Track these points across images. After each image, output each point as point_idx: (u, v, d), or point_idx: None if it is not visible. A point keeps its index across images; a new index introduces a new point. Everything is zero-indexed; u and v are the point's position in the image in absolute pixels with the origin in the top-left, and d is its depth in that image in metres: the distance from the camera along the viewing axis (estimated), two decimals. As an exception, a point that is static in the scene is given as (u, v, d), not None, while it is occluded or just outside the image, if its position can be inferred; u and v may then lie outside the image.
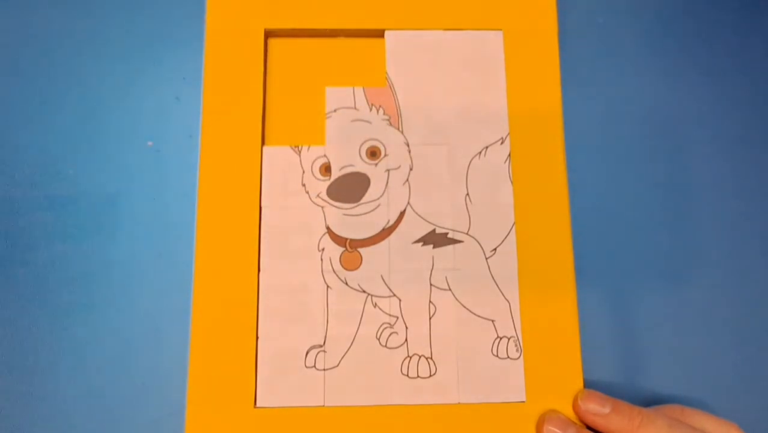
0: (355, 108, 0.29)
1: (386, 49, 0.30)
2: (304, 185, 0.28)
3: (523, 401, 0.27)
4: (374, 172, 0.28)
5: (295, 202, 0.28)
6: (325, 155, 0.28)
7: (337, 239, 0.28)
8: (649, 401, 0.28)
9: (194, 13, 0.30)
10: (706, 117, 0.31)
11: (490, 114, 0.29)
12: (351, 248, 0.28)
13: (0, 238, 0.29)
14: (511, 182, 0.29)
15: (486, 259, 0.28)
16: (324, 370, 0.27)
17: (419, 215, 0.28)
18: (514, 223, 0.28)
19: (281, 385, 0.27)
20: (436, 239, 0.28)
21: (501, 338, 0.27)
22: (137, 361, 0.28)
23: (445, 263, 0.28)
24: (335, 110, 0.29)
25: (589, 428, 0.26)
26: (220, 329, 0.27)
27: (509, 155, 0.29)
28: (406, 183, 0.28)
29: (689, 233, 0.30)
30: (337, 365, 0.27)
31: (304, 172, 0.28)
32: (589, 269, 0.29)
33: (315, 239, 0.28)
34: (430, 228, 0.28)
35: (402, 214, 0.28)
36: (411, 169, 0.29)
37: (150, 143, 0.30)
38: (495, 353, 0.27)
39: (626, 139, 0.31)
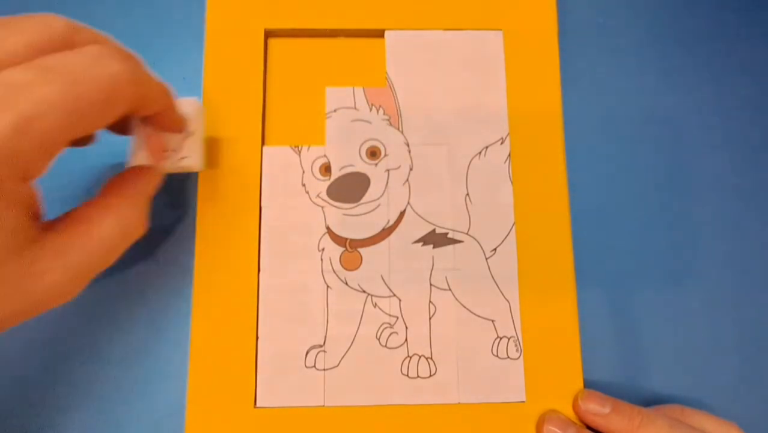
0: (355, 108, 0.29)
1: (386, 49, 0.30)
2: (304, 185, 0.28)
3: (523, 401, 0.27)
4: (374, 172, 0.28)
5: (295, 203, 0.28)
6: (325, 155, 0.28)
7: (337, 239, 0.28)
8: (649, 401, 0.28)
9: (194, 13, 0.30)
10: (706, 117, 0.31)
11: (490, 114, 0.29)
12: (351, 248, 0.28)
13: None
14: (511, 182, 0.29)
15: (486, 259, 0.28)
16: (324, 370, 0.27)
17: (419, 215, 0.28)
18: (514, 223, 0.28)
19: (281, 385, 0.27)
20: (436, 239, 0.28)
21: (501, 338, 0.27)
22: (137, 361, 0.28)
23: (445, 263, 0.28)
24: (335, 110, 0.29)
25: (589, 428, 0.26)
26: (220, 329, 0.27)
27: (509, 155, 0.29)
28: (406, 183, 0.28)
29: (689, 233, 0.30)
30: (337, 365, 0.27)
31: (304, 172, 0.28)
32: (589, 269, 0.29)
33: (315, 239, 0.28)
34: (430, 228, 0.28)
35: (402, 214, 0.28)
36: (411, 169, 0.29)
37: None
38: (495, 353, 0.27)
39: (626, 139, 0.31)
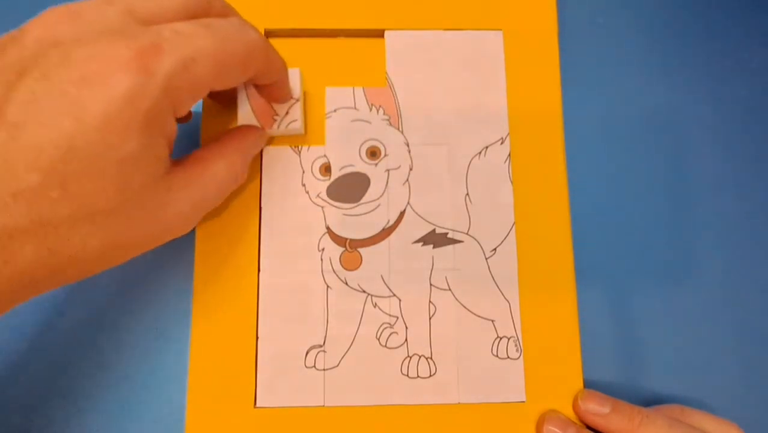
0: (355, 108, 0.29)
1: (386, 49, 0.30)
2: (304, 185, 0.28)
3: (523, 401, 0.27)
4: (374, 172, 0.28)
5: (295, 203, 0.28)
6: (325, 155, 0.28)
7: (337, 239, 0.28)
8: (649, 401, 0.28)
9: (194, 13, 0.30)
10: (706, 117, 0.31)
11: (490, 114, 0.29)
12: (351, 248, 0.28)
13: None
14: (511, 182, 0.29)
15: (486, 259, 0.28)
16: (324, 370, 0.27)
17: (419, 215, 0.28)
18: (514, 223, 0.28)
19: (281, 385, 0.27)
20: (436, 239, 0.28)
21: (501, 338, 0.27)
22: (137, 361, 0.28)
23: (445, 263, 0.28)
24: (335, 110, 0.29)
25: (589, 428, 0.26)
26: (220, 329, 0.27)
27: (509, 155, 0.29)
28: (406, 183, 0.28)
29: (689, 233, 0.30)
30: (337, 365, 0.27)
31: (304, 172, 0.28)
32: (589, 269, 0.29)
33: (315, 239, 0.28)
34: (430, 228, 0.28)
35: (402, 214, 0.28)
36: (411, 169, 0.29)
37: None
38: (495, 353, 0.27)
39: (626, 139, 0.31)
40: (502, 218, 0.28)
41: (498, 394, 0.27)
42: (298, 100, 0.28)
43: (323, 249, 0.28)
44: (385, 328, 0.27)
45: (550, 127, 0.29)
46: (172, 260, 0.29)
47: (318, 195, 0.28)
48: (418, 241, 0.28)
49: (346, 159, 0.28)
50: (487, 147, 0.29)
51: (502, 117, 0.29)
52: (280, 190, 0.28)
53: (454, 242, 0.28)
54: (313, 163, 0.28)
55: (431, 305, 0.28)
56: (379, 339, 0.27)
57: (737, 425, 0.25)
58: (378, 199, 0.28)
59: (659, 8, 0.32)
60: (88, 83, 0.19)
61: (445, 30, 0.30)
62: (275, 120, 0.27)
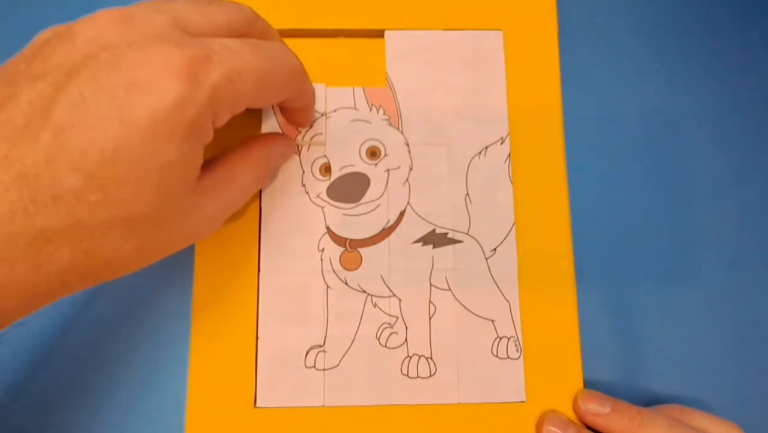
0: (355, 108, 0.29)
1: (386, 49, 0.30)
2: (304, 185, 0.28)
3: (523, 401, 0.27)
4: (374, 172, 0.28)
5: (295, 203, 0.28)
6: (325, 155, 0.28)
7: (337, 239, 0.28)
8: (649, 401, 0.28)
9: (194, 13, 0.30)
10: (706, 117, 0.31)
11: (490, 114, 0.29)
12: (351, 248, 0.28)
13: None
14: (511, 182, 0.29)
15: (486, 259, 0.28)
16: (324, 370, 0.27)
17: (419, 215, 0.28)
18: (514, 223, 0.28)
19: (281, 385, 0.27)
20: (436, 239, 0.28)
21: (501, 338, 0.27)
22: (137, 361, 0.28)
23: (445, 263, 0.28)
24: (335, 110, 0.29)
25: (589, 428, 0.26)
26: (220, 329, 0.27)
27: (509, 155, 0.29)
28: (406, 183, 0.28)
29: (689, 233, 0.30)
30: (337, 365, 0.27)
31: (304, 172, 0.28)
32: (589, 269, 0.29)
33: (315, 239, 0.28)
34: (430, 228, 0.28)
35: (402, 214, 0.28)
36: (411, 169, 0.29)
37: None
38: (495, 353, 0.27)
39: (626, 139, 0.31)
40: (502, 218, 0.28)
41: (498, 394, 0.27)
42: (323, 115, 0.28)
43: (323, 249, 0.28)
44: (385, 328, 0.27)
45: (550, 127, 0.29)
46: (172, 259, 0.29)
47: (318, 195, 0.28)
48: (418, 241, 0.28)
49: (346, 159, 0.28)
50: (487, 147, 0.29)
51: (502, 117, 0.29)
52: (280, 190, 0.28)
53: (454, 242, 0.28)
54: (313, 163, 0.28)
55: (431, 305, 0.28)
56: (379, 339, 0.27)
57: (737, 425, 0.25)
58: (378, 199, 0.28)
59: (659, 8, 0.32)
60: (138, 88, 0.19)
61: (445, 30, 0.30)
62: (300, 132, 0.28)
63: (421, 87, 0.29)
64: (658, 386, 0.28)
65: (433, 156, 0.29)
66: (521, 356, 0.27)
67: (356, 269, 0.28)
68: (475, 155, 0.29)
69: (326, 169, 0.28)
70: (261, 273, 0.27)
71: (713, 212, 0.30)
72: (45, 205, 0.18)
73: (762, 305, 0.29)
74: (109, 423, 0.27)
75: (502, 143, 0.29)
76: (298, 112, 0.27)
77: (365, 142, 0.29)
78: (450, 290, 0.28)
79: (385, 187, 0.28)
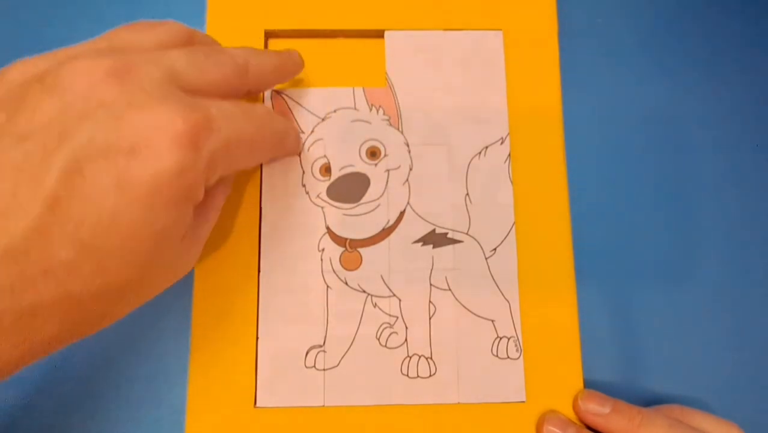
0: (355, 108, 0.29)
1: (386, 49, 0.30)
2: (304, 186, 0.28)
3: (523, 401, 0.27)
4: (374, 172, 0.28)
5: (295, 203, 0.28)
6: (325, 155, 0.29)
7: (337, 239, 0.28)
8: (649, 401, 0.28)
9: (194, 13, 0.30)
10: (706, 117, 0.31)
11: (490, 114, 0.29)
12: (351, 248, 0.28)
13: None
14: (511, 182, 0.29)
15: (486, 259, 0.28)
16: (324, 370, 0.27)
17: (419, 215, 0.28)
18: (514, 223, 0.28)
19: (281, 385, 0.27)
20: (436, 239, 0.28)
21: (501, 338, 0.27)
22: (137, 361, 0.28)
23: (445, 263, 0.28)
24: (335, 110, 0.29)
25: (589, 428, 0.26)
26: (220, 329, 0.27)
27: (509, 155, 0.29)
28: (406, 183, 0.28)
29: (689, 233, 0.30)
30: (337, 365, 0.27)
31: (304, 172, 0.28)
32: (589, 269, 0.29)
33: (315, 240, 0.28)
34: (430, 228, 0.28)
35: (402, 214, 0.28)
36: (411, 169, 0.29)
37: None
38: (495, 353, 0.27)
39: (626, 139, 0.31)
40: (502, 218, 0.28)
41: (498, 394, 0.27)
42: (323, 119, 0.28)
43: (323, 249, 0.28)
44: (385, 328, 0.27)
45: (550, 127, 0.29)
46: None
47: (318, 195, 0.28)
48: (418, 241, 0.28)
49: (346, 159, 0.28)
50: (487, 147, 0.29)
51: (502, 117, 0.29)
52: (280, 190, 0.28)
53: (454, 241, 0.28)
54: (313, 163, 0.28)
55: (431, 305, 0.28)
56: (379, 339, 0.27)
57: (737, 425, 0.25)
58: (378, 199, 0.28)
59: (659, 8, 0.32)
60: (139, 154, 0.17)
61: (445, 30, 0.30)
62: (300, 137, 0.28)
63: (421, 87, 0.29)
64: (658, 386, 0.28)
65: (433, 156, 0.29)
66: (521, 356, 0.27)
67: (356, 269, 0.28)
68: (475, 155, 0.29)
69: (326, 169, 0.28)
70: (261, 273, 0.27)
71: (713, 212, 0.30)
72: (34, 281, 0.16)
73: (762, 305, 0.29)
74: (109, 423, 0.27)
75: (502, 143, 0.29)
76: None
77: (365, 142, 0.29)
78: (450, 290, 0.28)
79: (385, 187, 0.28)
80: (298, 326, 0.27)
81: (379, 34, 0.30)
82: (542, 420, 0.26)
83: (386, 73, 0.29)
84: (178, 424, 0.26)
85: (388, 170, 0.29)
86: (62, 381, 0.28)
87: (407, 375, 0.27)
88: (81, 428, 0.27)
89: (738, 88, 0.31)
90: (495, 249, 0.28)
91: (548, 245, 0.28)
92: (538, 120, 0.29)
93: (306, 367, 0.27)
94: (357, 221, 0.28)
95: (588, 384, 0.27)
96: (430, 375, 0.27)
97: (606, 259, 0.29)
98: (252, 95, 0.28)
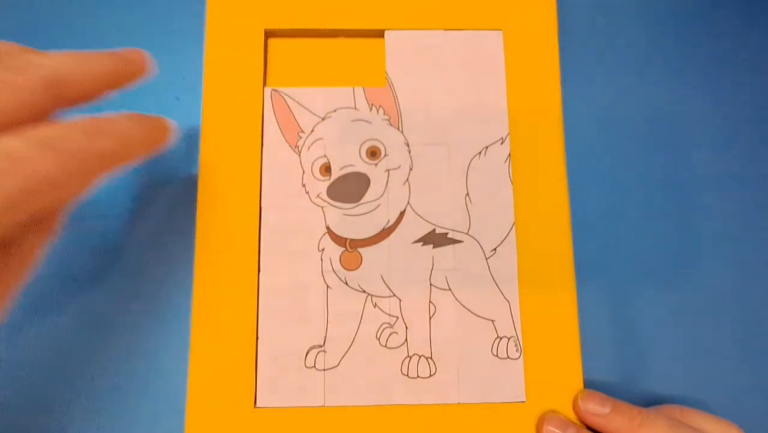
0: (355, 108, 0.29)
1: (386, 49, 0.30)
2: (304, 186, 0.28)
3: (523, 401, 0.27)
4: (374, 172, 0.28)
5: (295, 203, 0.28)
6: (325, 155, 0.28)
7: (337, 239, 0.28)
8: (649, 401, 0.28)
9: (194, 13, 0.30)
10: (706, 117, 0.31)
11: (490, 114, 0.29)
12: (351, 248, 0.28)
13: (0, 238, 0.29)
14: (511, 182, 0.29)
15: (486, 259, 0.28)
16: (324, 370, 0.27)
17: (419, 215, 0.28)
18: (514, 223, 0.28)
19: (281, 385, 0.27)
20: (436, 239, 0.28)
21: (501, 338, 0.27)
22: (137, 361, 0.28)
23: (445, 263, 0.28)
24: (335, 110, 0.29)
25: (589, 428, 0.26)
26: (220, 329, 0.27)
27: (509, 155, 0.29)
28: (406, 183, 0.28)
29: (689, 232, 0.30)
30: (337, 365, 0.27)
31: (304, 172, 0.28)
32: (589, 268, 0.29)
33: (315, 239, 0.28)
34: (430, 228, 0.28)
35: (402, 214, 0.28)
36: (411, 169, 0.29)
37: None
38: (495, 353, 0.27)
39: (626, 139, 0.31)
40: (502, 218, 0.28)
41: (498, 394, 0.27)
42: (323, 119, 0.28)
43: (323, 249, 0.28)
44: (385, 328, 0.27)
45: (550, 127, 0.29)
46: (172, 259, 0.29)
47: (318, 195, 0.28)
48: (418, 241, 0.28)
49: (346, 159, 0.28)
50: (487, 147, 0.29)
51: (502, 117, 0.29)
52: (280, 190, 0.28)
53: (454, 241, 0.28)
54: (313, 163, 0.28)
55: (431, 305, 0.28)
56: (379, 339, 0.27)
57: (737, 426, 0.25)
58: (378, 199, 0.28)
59: (659, 8, 0.32)
60: None
61: (445, 30, 0.30)
62: (300, 137, 0.28)
63: (421, 87, 0.29)
64: (658, 386, 0.28)
65: (433, 156, 0.29)
66: (521, 356, 0.27)
67: (356, 269, 0.28)
68: (475, 155, 0.29)
69: (326, 169, 0.28)
70: (261, 273, 0.27)
71: (713, 212, 0.30)
72: None
73: (762, 305, 0.29)
74: (109, 423, 0.27)
75: (502, 143, 0.29)
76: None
77: (365, 142, 0.29)
78: (450, 290, 0.28)
79: (385, 187, 0.28)
80: (298, 326, 0.27)
81: (379, 34, 0.30)
82: (542, 420, 0.26)
83: (386, 73, 0.29)
84: (178, 424, 0.26)
85: (388, 170, 0.29)
86: (62, 380, 0.27)
87: (407, 375, 0.27)
88: (81, 427, 0.27)
89: (738, 88, 0.31)
90: (495, 249, 0.28)
91: (548, 245, 0.28)
92: (538, 120, 0.29)
93: (306, 367, 0.27)
94: (357, 221, 0.28)
95: (588, 384, 0.27)
96: (430, 375, 0.27)
97: (606, 259, 0.29)
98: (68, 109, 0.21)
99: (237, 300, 0.27)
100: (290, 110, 0.29)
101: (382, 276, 0.28)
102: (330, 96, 0.29)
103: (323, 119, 0.29)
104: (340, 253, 0.28)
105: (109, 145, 0.20)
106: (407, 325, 0.27)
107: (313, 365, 0.27)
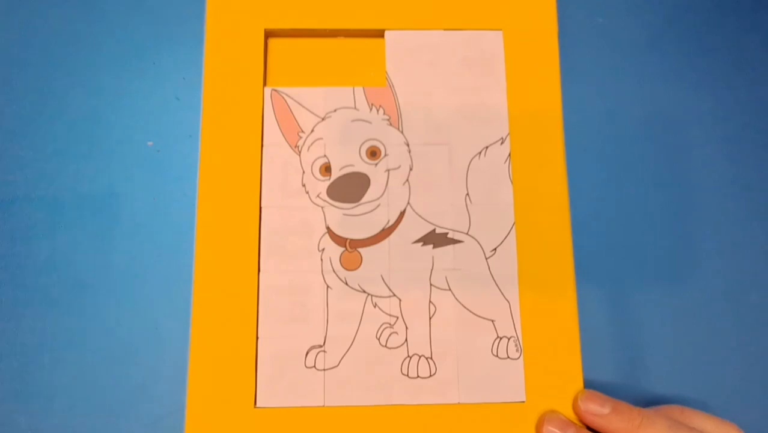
0: (355, 108, 0.29)
1: (386, 49, 0.30)
2: (304, 185, 0.28)
3: (523, 401, 0.27)
4: (374, 172, 0.28)
5: (295, 203, 0.28)
6: (325, 155, 0.28)
7: (337, 239, 0.28)
8: (649, 401, 0.28)
9: (194, 13, 0.30)
10: (706, 117, 0.31)
11: (490, 114, 0.29)
12: (351, 248, 0.28)
13: (0, 238, 0.29)
14: (511, 182, 0.29)
15: (486, 259, 0.28)
16: (324, 370, 0.27)
17: (419, 215, 0.28)
18: (514, 223, 0.28)
19: (281, 385, 0.27)
20: (436, 239, 0.28)
21: (501, 338, 0.27)
22: (137, 361, 0.28)
23: (445, 263, 0.28)
24: (335, 110, 0.29)
25: (589, 428, 0.26)
26: (220, 329, 0.27)
27: (509, 155, 0.29)
28: (406, 183, 0.28)
29: (689, 233, 0.30)
30: (337, 365, 0.27)
31: (304, 172, 0.28)
32: (589, 269, 0.29)
33: (315, 239, 0.28)
34: (430, 228, 0.28)
35: (402, 214, 0.28)
36: (411, 169, 0.29)
37: (150, 143, 0.30)
38: (495, 353, 0.27)
39: (626, 139, 0.31)
40: (502, 218, 0.28)
41: (498, 394, 0.27)
42: (323, 119, 0.28)
43: (323, 249, 0.28)
44: (385, 328, 0.27)
45: (550, 127, 0.29)
46: (172, 259, 0.29)
47: (318, 195, 0.28)
48: (418, 241, 0.28)
49: (346, 159, 0.28)
50: (487, 147, 0.29)
51: (502, 117, 0.29)
52: (280, 190, 0.28)
53: (454, 242, 0.28)
54: (313, 163, 0.28)
55: (431, 305, 0.28)
56: (379, 339, 0.27)
57: (737, 426, 0.25)
58: (378, 199, 0.28)
59: (659, 8, 0.32)
60: None
61: (445, 30, 0.30)
62: (300, 137, 0.28)
63: (421, 87, 0.29)
64: (658, 386, 0.28)
65: (433, 156, 0.29)
66: (521, 356, 0.27)
67: (356, 269, 0.28)
68: (475, 155, 0.29)
69: (326, 169, 0.28)
70: (261, 273, 0.27)
71: (713, 212, 0.30)
72: None
73: (762, 305, 0.29)
74: (110, 423, 0.27)
75: (502, 143, 0.29)
76: None
77: (365, 142, 0.29)
78: (450, 290, 0.28)
79: (385, 187, 0.28)
80: (298, 326, 0.27)
81: (379, 34, 0.30)
82: (542, 420, 0.26)
83: (386, 73, 0.29)
84: (178, 424, 0.26)
85: (388, 170, 0.29)
86: (62, 380, 0.27)
87: (407, 375, 0.27)
88: (81, 427, 0.27)
89: (738, 88, 0.31)
90: (495, 249, 0.28)
91: (548, 245, 0.28)
92: (538, 120, 0.29)
93: (306, 367, 0.27)
94: (357, 221, 0.28)
95: (588, 384, 0.27)
96: (430, 375, 0.27)
97: (606, 259, 0.29)
98: None
99: (237, 300, 0.27)
100: (290, 110, 0.29)
101: (382, 276, 0.28)
102: (330, 96, 0.29)
103: (323, 119, 0.29)
104: (340, 253, 0.28)
105: None
106: (407, 325, 0.27)
107: (313, 365, 0.27)
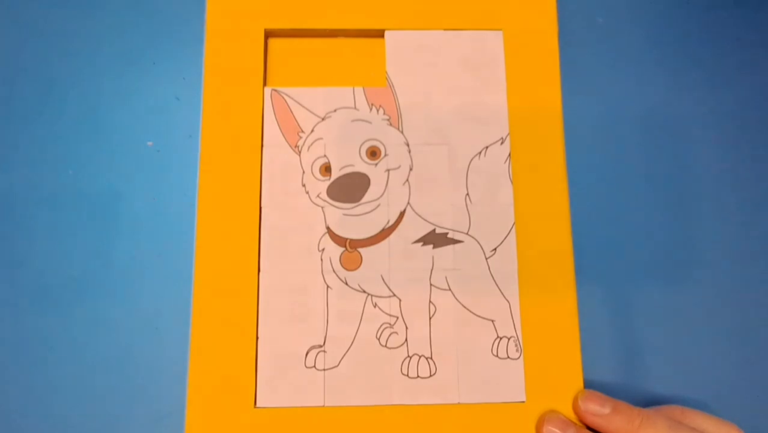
0: (355, 108, 0.29)
1: (386, 49, 0.30)
2: (304, 185, 0.28)
3: (523, 401, 0.27)
4: (374, 172, 0.28)
5: (295, 203, 0.28)
6: (325, 155, 0.28)
7: (337, 239, 0.28)
8: (649, 401, 0.28)
9: (194, 13, 0.30)
10: (706, 117, 0.31)
11: (490, 114, 0.29)
12: (351, 248, 0.28)
13: (0, 237, 0.29)
14: (511, 182, 0.29)
15: (486, 259, 0.28)
16: (324, 370, 0.27)
17: (419, 215, 0.28)
18: (514, 223, 0.28)
19: (281, 385, 0.27)
20: (436, 239, 0.28)
21: (501, 338, 0.27)
22: (137, 361, 0.28)
23: (445, 263, 0.28)
24: (335, 110, 0.29)
25: (589, 428, 0.26)
26: (220, 329, 0.27)
27: (509, 155, 0.29)
28: (406, 183, 0.28)
29: (689, 232, 0.30)
30: (337, 365, 0.27)
31: (304, 172, 0.28)
32: (589, 268, 0.29)
33: (315, 239, 0.28)
34: (430, 228, 0.28)
35: (402, 214, 0.28)
36: (411, 169, 0.29)
37: (150, 143, 0.30)
38: (495, 353, 0.27)
39: (626, 139, 0.31)
40: (502, 218, 0.28)
41: (498, 394, 0.27)
42: (323, 119, 0.28)
43: (323, 249, 0.28)
44: (385, 328, 0.27)
45: (550, 127, 0.29)
46: (172, 259, 0.29)
47: (318, 195, 0.28)
48: (418, 241, 0.28)
49: (346, 159, 0.28)
50: (487, 147, 0.29)
51: (502, 117, 0.29)
52: (280, 190, 0.28)
53: (454, 242, 0.28)
54: (313, 163, 0.28)
55: (431, 305, 0.28)
56: (379, 339, 0.27)
57: (737, 426, 0.25)
58: (378, 199, 0.28)
59: (659, 8, 0.32)
60: None
61: (445, 30, 0.30)
62: (300, 137, 0.28)
63: (421, 87, 0.29)
64: (658, 386, 0.28)
65: (433, 156, 0.29)
66: (521, 356, 0.27)
67: (356, 269, 0.28)
68: (475, 155, 0.29)
69: (326, 169, 0.28)
70: (261, 273, 0.27)
71: (713, 212, 0.30)
72: None
73: (762, 305, 0.29)
74: (110, 423, 0.27)
75: (502, 143, 0.29)
76: None
77: (365, 142, 0.29)
78: (450, 290, 0.28)
79: (385, 187, 0.28)
80: (298, 326, 0.27)
81: (379, 34, 0.30)
82: (542, 420, 0.26)
83: (386, 73, 0.29)
84: (178, 424, 0.26)
85: (388, 170, 0.29)
86: (62, 380, 0.27)
87: (407, 375, 0.27)
88: (81, 427, 0.27)
89: (738, 88, 0.31)
90: (495, 249, 0.28)
91: (548, 245, 0.28)
92: (538, 120, 0.29)
93: (306, 367, 0.27)
94: (357, 221, 0.28)
95: (588, 384, 0.27)
96: (430, 375, 0.27)
97: (606, 258, 0.29)
98: None
99: (237, 300, 0.27)
100: (290, 110, 0.29)
101: (382, 276, 0.28)
102: (330, 96, 0.29)
103: (323, 119, 0.29)
104: (340, 253, 0.28)
105: None
106: (407, 325, 0.27)
107: (313, 365, 0.27)
